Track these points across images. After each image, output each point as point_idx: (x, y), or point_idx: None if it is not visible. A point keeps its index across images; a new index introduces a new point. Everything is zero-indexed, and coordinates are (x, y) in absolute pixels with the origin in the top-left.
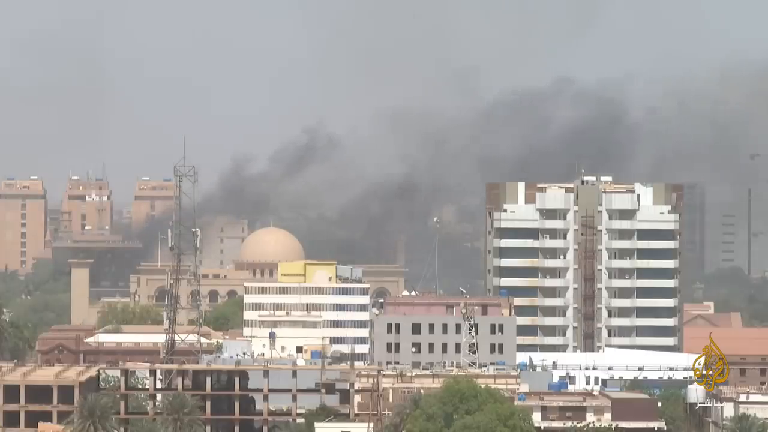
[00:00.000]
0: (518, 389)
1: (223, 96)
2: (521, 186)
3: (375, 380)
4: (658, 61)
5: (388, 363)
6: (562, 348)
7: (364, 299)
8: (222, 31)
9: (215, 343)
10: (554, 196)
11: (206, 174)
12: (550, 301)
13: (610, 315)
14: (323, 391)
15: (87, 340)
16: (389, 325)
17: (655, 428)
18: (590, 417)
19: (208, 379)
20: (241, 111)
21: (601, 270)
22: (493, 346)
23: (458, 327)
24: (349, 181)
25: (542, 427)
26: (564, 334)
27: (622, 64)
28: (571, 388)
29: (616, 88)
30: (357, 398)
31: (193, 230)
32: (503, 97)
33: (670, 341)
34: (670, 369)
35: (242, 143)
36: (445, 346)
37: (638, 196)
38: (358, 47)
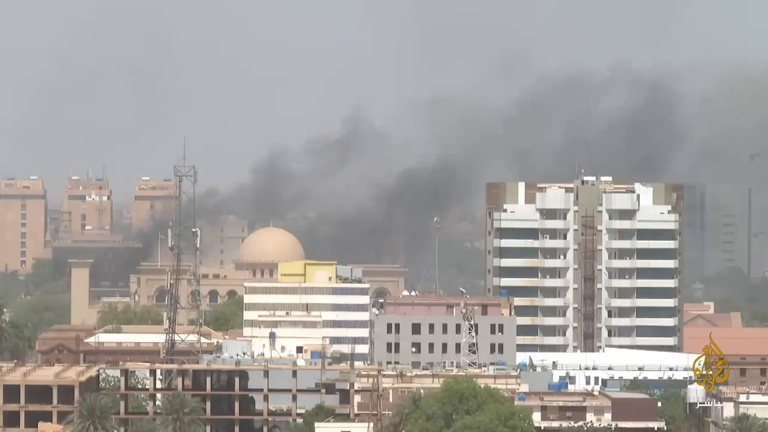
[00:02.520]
0: (518, 389)
1: (256, 88)
2: (521, 186)
3: (375, 380)
4: (712, 50)
5: (388, 363)
6: (562, 348)
7: (364, 299)
8: (259, 21)
9: (215, 343)
10: (554, 196)
11: (241, 167)
12: (550, 301)
13: (610, 315)
14: (323, 391)
15: (87, 340)
16: (389, 325)
17: (655, 428)
18: (590, 417)
19: (208, 379)
20: (278, 104)
21: (601, 270)
22: (493, 346)
23: (458, 327)
24: (384, 174)
25: (542, 427)
26: (564, 334)
27: (678, 52)
28: (571, 388)
29: (668, 75)
30: (357, 398)
31: (194, 230)
32: (551, 82)
33: (670, 341)
34: (670, 369)
35: (279, 135)
36: (445, 346)
37: (638, 196)
38: (408, 34)
